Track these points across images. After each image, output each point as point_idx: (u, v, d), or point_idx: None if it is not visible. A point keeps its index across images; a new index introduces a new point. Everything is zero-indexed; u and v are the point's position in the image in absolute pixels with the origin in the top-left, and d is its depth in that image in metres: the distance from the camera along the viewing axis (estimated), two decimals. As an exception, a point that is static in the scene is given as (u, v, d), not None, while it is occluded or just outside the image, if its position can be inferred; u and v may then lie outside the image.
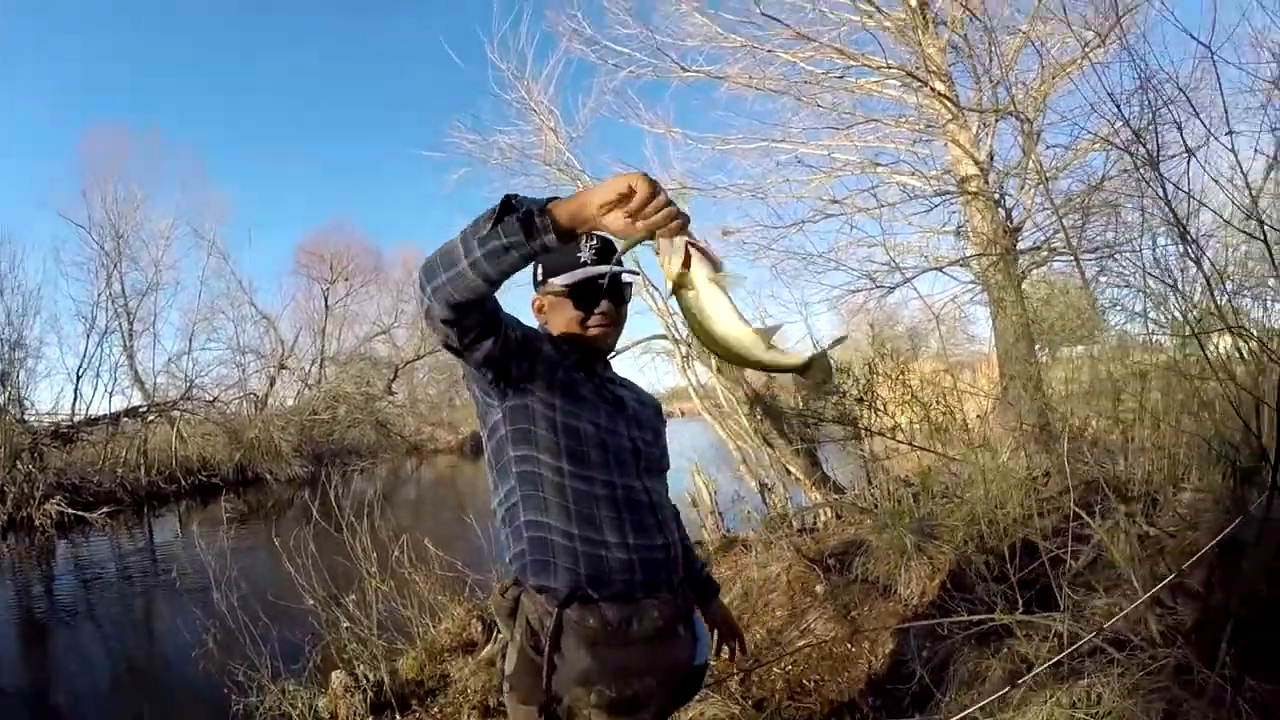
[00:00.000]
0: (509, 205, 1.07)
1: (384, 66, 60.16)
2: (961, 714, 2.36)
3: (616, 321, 1.60)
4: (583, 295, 1.53)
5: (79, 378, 18.69)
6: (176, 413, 18.31)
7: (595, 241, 1.53)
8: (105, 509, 13.37)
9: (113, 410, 18.06)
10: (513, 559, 1.47)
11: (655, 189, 1.03)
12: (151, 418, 17.98)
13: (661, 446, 1.64)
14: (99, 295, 20.11)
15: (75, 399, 18.53)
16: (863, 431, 5.62)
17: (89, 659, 6.64)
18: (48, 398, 29.39)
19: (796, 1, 6.52)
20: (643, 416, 1.59)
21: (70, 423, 17.08)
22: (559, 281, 1.53)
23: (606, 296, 1.54)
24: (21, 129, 42.30)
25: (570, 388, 1.45)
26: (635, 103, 7.31)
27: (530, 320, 1.58)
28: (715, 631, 1.77)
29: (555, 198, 1.09)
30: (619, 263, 1.49)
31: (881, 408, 5.55)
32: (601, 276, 1.52)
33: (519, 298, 1.77)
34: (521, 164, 7.89)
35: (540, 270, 1.57)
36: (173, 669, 5.77)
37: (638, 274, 1.62)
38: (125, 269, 20.94)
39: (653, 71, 6.86)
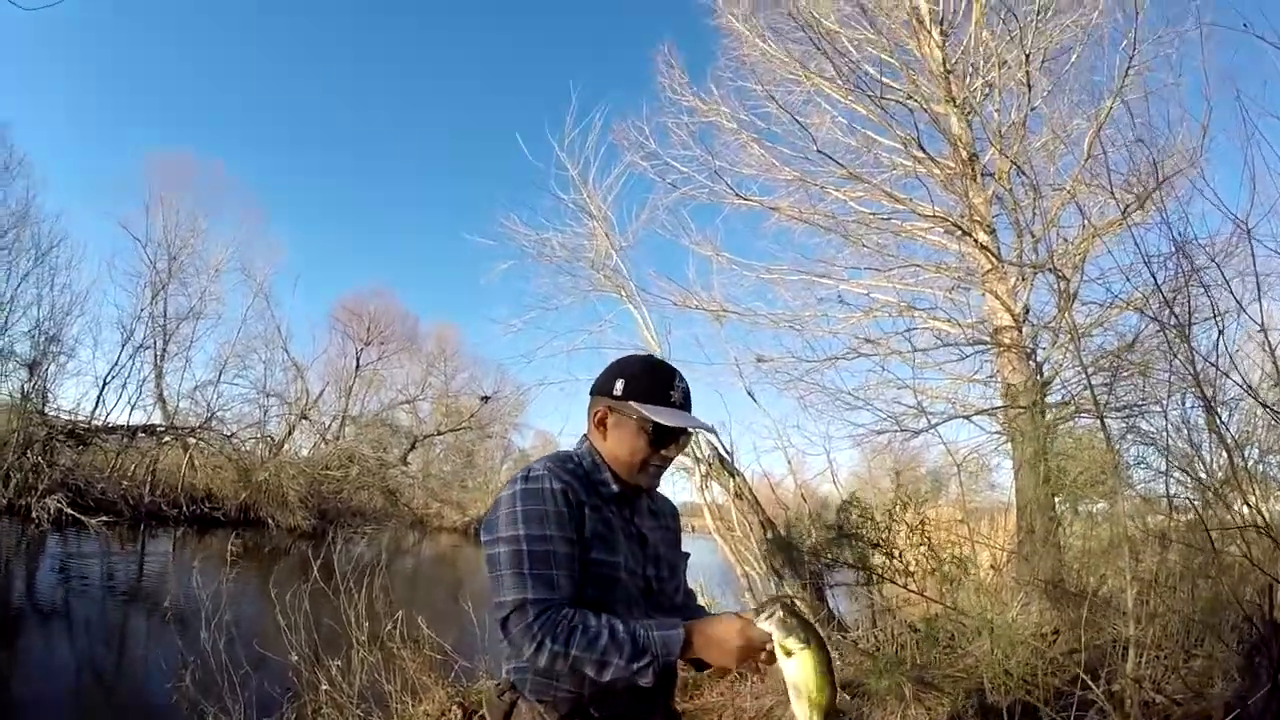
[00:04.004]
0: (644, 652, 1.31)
1: (450, 144, 63.05)
2: None
3: (669, 464, 1.58)
4: (662, 435, 1.49)
5: (105, 384, 19.15)
6: (193, 439, 18.45)
7: (683, 384, 1.54)
8: (104, 517, 13.31)
9: (131, 423, 18.27)
10: (513, 670, 1.48)
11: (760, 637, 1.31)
12: (167, 439, 18.14)
13: (677, 582, 1.64)
14: (141, 310, 20.83)
15: (97, 405, 18.94)
16: (875, 576, 5.52)
17: (58, 662, 6.58)
18: (71, 397, 29.86)
19: (850, 143, 6.85)
20: (662, 552, 1.59)
21: (87, 425, 17.28)
22: (646, 413, 1.47)
23: (676, 441, 1.53)
24: (92, 137, 44.93)
25: (603, 537, 1.45)
26: (687, 222, 7.68)
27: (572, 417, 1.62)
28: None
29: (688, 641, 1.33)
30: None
31: (897, 555, 5.46)
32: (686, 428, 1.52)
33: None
34: (570, 264, 8.20)
35: (622, 386, 1.50)
36: (142, 693, 5.69)
37: (715, 431, 1.64)
38: (172, 291, 21.76)
39: (708, 195, 7.25)
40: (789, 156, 6.94)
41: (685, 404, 1.52)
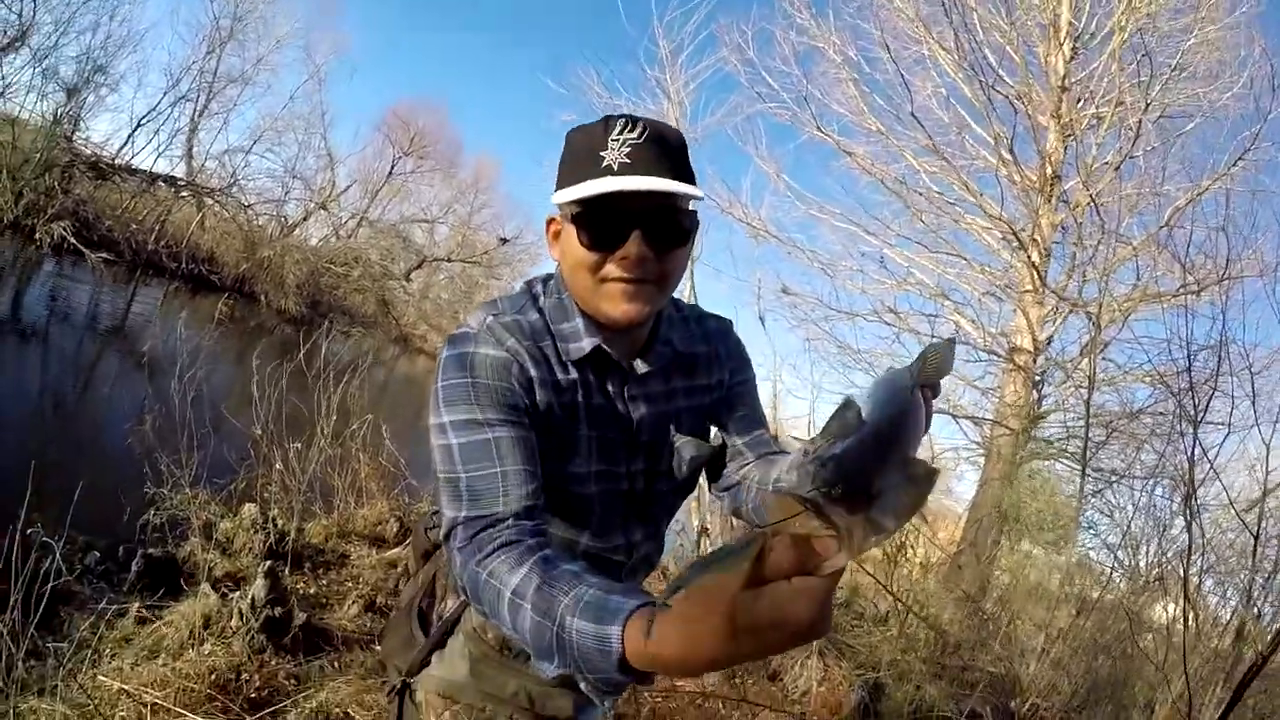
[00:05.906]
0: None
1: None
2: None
3: (659, 278, 0.94)
4: (597, 224, 0.91)
5: (139, 125, 18.77)
6: (209, 200, 18.32)
7: (635, 132, 0.89)
8: (104, 254, 13.22)
9: (154, 171, 18.07)
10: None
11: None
12: (185, 194, 17.98)
13: (677, 483, 1.13)
14: (193, 63, 20.21)
15: (126, 144, 18.60)
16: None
17: (24, 385, 6.61)
18: (104, 131, 29.49)
19: (944, 118, 6.66)
20: (660, 437, 1.09)
21: (111, 161, 17.03)
22: (565, 198, 0.92)
23: (639, 228, 0.89)
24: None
25: (558, 434, 1.00)
26: (760, 134, 7.53)
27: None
28: None
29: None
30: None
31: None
32: (626, 196, 0.87)
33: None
34: (634, 139, 8.07)
35: (557, 178, 0.97)
36: (100, 429, 5.73)
37: (700, 196, 0.92)
38: (229, 51, 21.05)
39: (790, 117, 7.05)
40: (880, 108, 6.82)
41: (636, 165, 0.88)
